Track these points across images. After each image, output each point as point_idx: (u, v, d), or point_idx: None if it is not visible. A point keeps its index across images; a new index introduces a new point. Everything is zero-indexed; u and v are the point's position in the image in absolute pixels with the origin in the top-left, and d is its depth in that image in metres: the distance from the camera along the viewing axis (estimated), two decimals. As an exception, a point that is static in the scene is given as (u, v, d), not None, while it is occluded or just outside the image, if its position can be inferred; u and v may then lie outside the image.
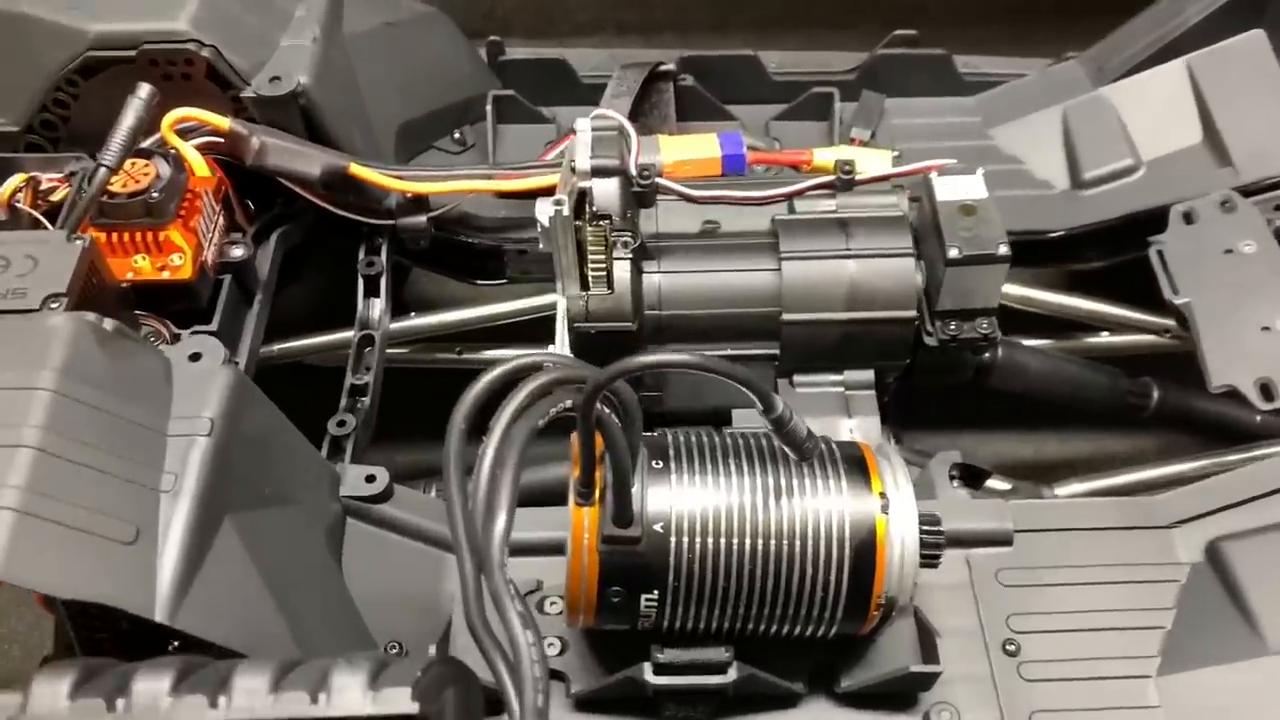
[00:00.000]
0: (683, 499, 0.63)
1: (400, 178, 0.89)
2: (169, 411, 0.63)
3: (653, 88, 1.03)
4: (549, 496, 0.77)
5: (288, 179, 0.86)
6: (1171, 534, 0.77)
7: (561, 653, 0.72)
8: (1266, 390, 0.78)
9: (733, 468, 0.65)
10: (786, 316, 0.77)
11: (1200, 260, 0.85)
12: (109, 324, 0.64)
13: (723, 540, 0.63)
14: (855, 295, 0.77)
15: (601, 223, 0.78)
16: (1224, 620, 0.72)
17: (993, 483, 0.85)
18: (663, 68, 1.04)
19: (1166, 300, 0.83)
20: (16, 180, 0.76)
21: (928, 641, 0.69)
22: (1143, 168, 0.95)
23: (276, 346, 0.96)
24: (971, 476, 0.83)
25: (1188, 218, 0.88)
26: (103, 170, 0.74)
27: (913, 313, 0.78)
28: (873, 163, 0.84)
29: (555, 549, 0.72)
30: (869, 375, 0.80)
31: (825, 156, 0.86)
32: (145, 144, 0.80)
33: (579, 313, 0.77)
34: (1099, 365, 0.93)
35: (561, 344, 0.79)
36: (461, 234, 0.96)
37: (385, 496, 0.76)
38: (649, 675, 0.66)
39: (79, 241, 0.67)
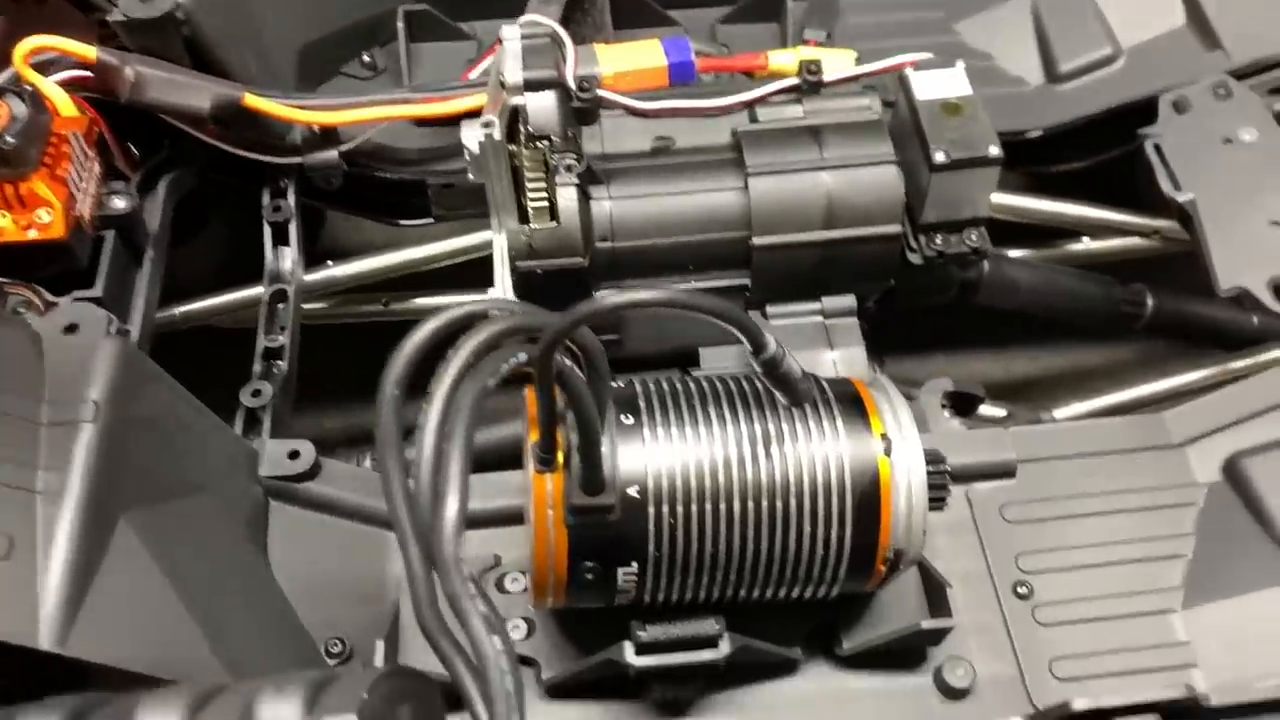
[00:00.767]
0: (659, 457, 0.55)
1: (303, 108, 0.78)
2: (42, 395, 0.53)
3: (584, -8, 0.92)
4: (502, 459, 0.69)
5: (172, 115, 0.75)
6: (1185, 452, 0.71)
7: (528, 635, 0.63)
8: (1280, 290, 0.72)
9: (713, 417, 0.57)
10: (757, 240, 0.69)
11: (1198, 152, 0.78)
12: (-44, 295, 0.53)
13: (708, 501, 0.55)
14: (833, 212, 0.69)
15: (539, 144, 0.68)
16: (1250, 543, 0.66)
17: (986, 409, 0.78)
18: (595, -31, 0.94)
19: (1167, 197, 0.76)
20: None
21: (936, 593, 0.62)
22: (1123, 56, 0.88)
23: (177, 310, 0.85)
24: (963, 404, 0.76)
25: (1178, 106, 0.81)
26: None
27: (897, 228, 0.69)
28: (836, 63, 0.75)
29: (513, 518, 0.64)
30: (850, 301, 0.72)
31: (782, 60, 0.77)
32: (-3, 82, 0.68)
33: (521, 249, 0.67)
34: (1089, 275, 0.86)
35: (503, 288, 0.70)
36: (378, 169, 0.85)
37: (312, 473, 0.67)
38: (630, 656, 0.58)
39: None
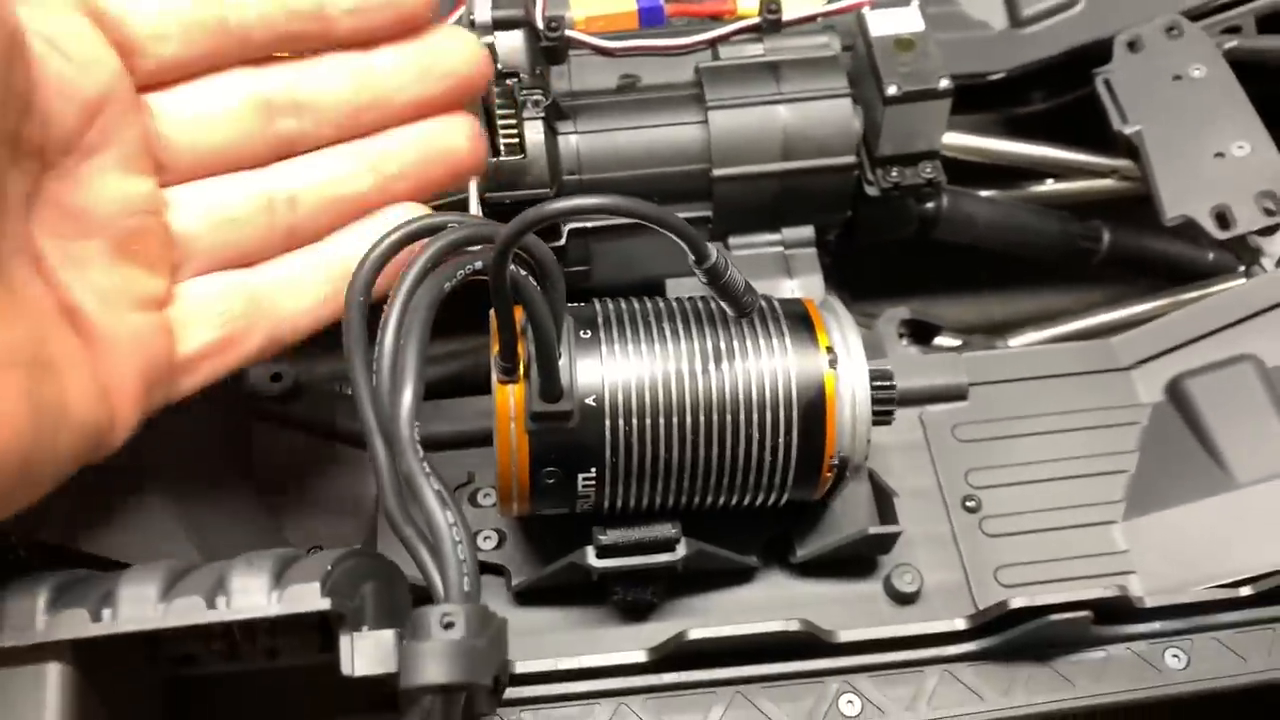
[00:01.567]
0: (615, 369, 0.58)
1: (286, 52, 0.81)
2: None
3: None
4: (475, 386, 0.72)
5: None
6: (1131, 375, 0.74)
7: (499, 546, 0.67)
8: (1222, 219, 0.75)
9: (667, 332, 0.60)
10: (717, 172, 0.72)
11: (1148, 89, 0.80)
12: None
13: (660, 410, 0.58)
14: (790, 143, 0.72)
15: (508, 81, 0.71)
16: (1189, 458, 0.69)
17: (944, 340, 0.81)
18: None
19: (1115, 131, 0.79)
20: None
21: (885, 503, 0.66)
22: (1083, 1, 0.90)
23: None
24: (922, 333, 0.79)
25: (1132, 46, 0.83)
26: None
27: (852, 158, 0.72)
28: (799, 4, 0.78)
29: (485, 439, 0.67)
30: (809, 232, 0.75)
31: (750, 4, 0.80)
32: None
33: (489, 181, 0.70)
34: (1048, 210, 0.89)
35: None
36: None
37: (294, 395, 0.70)
38: (592, 559, 0.62)
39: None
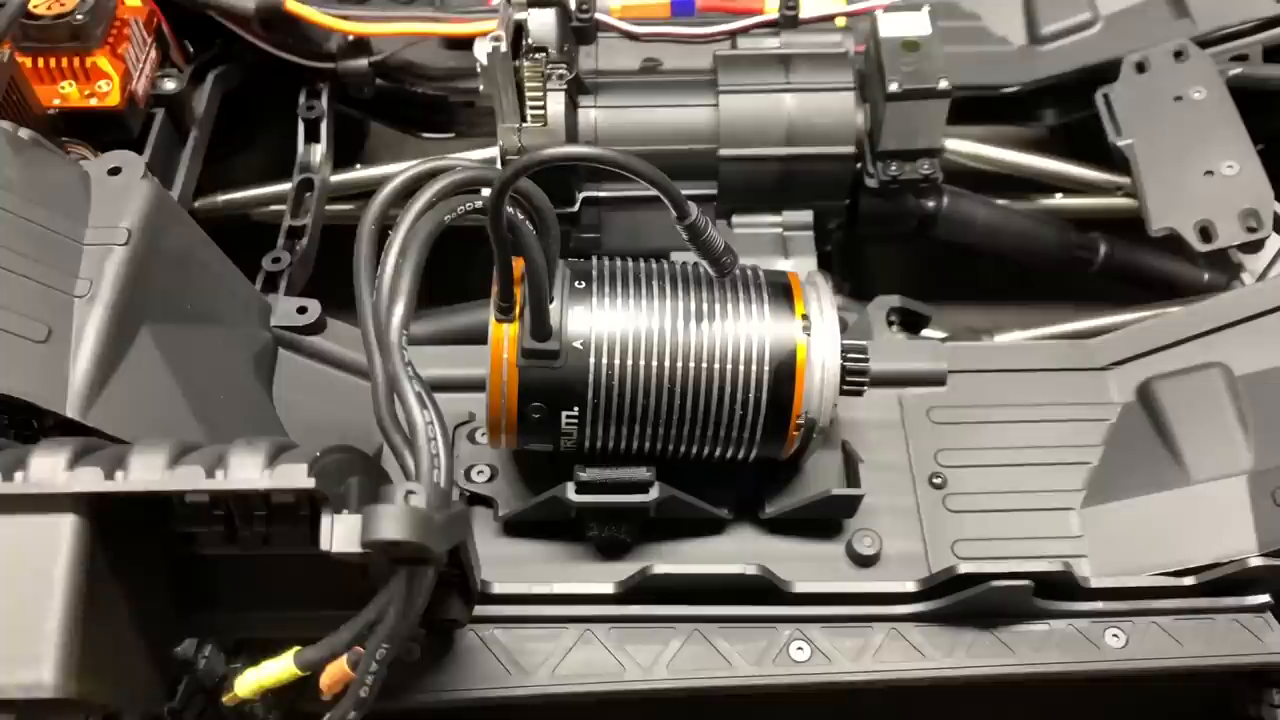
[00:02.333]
0: (603, 318, 0.63)
1: (341, 17, 0.87)
2: (86, 221, 0.63)
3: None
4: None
5: (220, 14, 0.84)
6: (1106, 375, 0.77)
7: (491, 479, 0.72)
8: (1205, 233, 0.78)
9: (655, 290, 0.65)
10: (723, 152, 0.77)
11: (1149, 107, 0.84)
12: (25, 133, 0.63)
13: (642, 359, 0.63)
14: (793, 130, 0.76)
15: (537, 55, 0.76)
16: (1150, 455, 0.72)
17: (931, 332, 0.85)
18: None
19: (1110, 144, 0.82)
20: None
21: (852, 469, 0.70)
22: (1100, 21, 0.94)
23: (220, 198, 0.95)
24: (911, 321, 0.83)
25: (1140, 67, 0.87)
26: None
27: (851, 149, 0.77)
28: (820, 3, 0.83)
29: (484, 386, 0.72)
30: (807, 216, 0.80)
31: (778, 3, 0.85)
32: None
33: (511, 146, 0.76)
34: (1047, 218, 0.92)
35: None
36: (407, 82, 0.94)
37: (318, 328, 0.76)
38: (571, 494, 0.66)
39: (-2, 55, 0.66)
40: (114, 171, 0.65)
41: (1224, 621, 0.68)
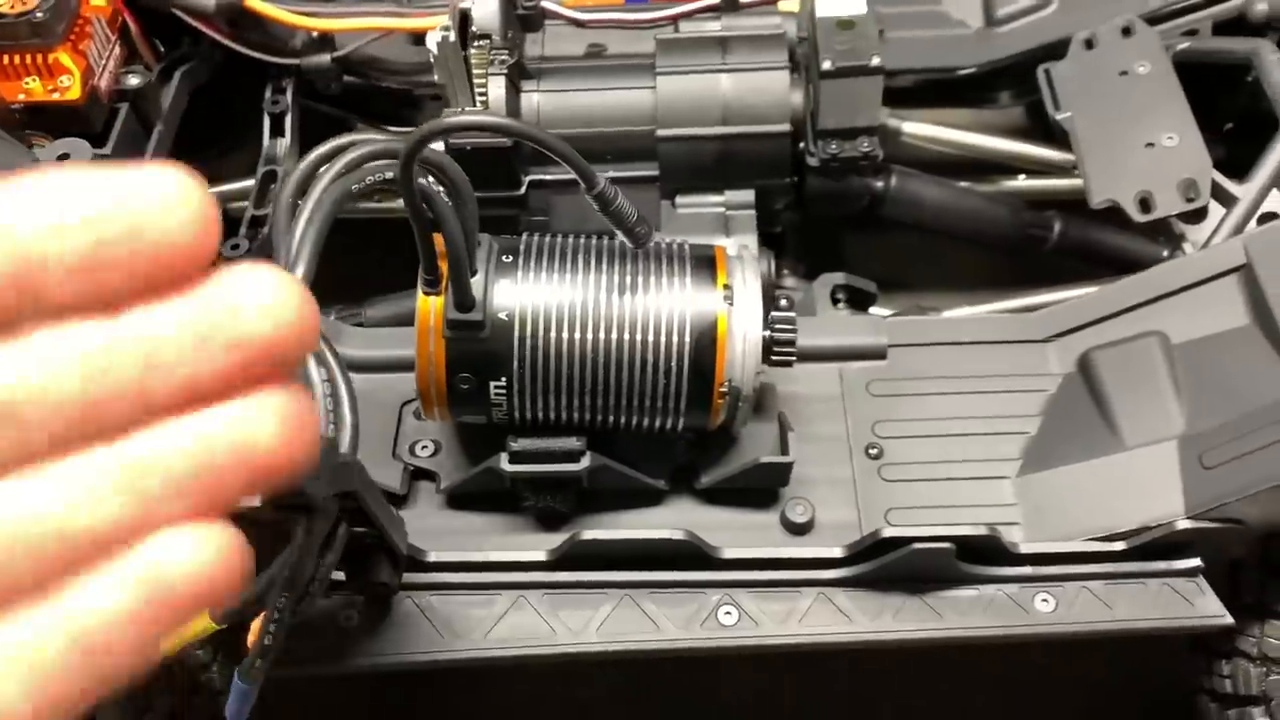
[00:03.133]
0: (528, 291, 0.65)
1: (302, 13, 0.90)
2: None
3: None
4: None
5: (184, 11, 0.87)
6: (1046, 348, 0.77)
7: (434, 454, 0.74)
8: (1145, 204, 0.78)
9: (582, 264, 0.66)
10: (661, 132, 0.78)
11: (1093, 82, 0.84)
12: (-18, 125, 0.66)
13: (566, 331, 0.64)
14: (729, 110, 0.78)
15: (481, 43, 0.78)
16: (1086, 424, 0.73)
17: (878, 309, 0.86)
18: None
19: (1049, 118, 0.83)
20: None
21: (784, 439, 0.71)
22: (1055, 1, 0.94)
23: (197, 192, 0.98)
24: (858, 299, 0.84)
25: (1089, 44, 0.87)
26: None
27: (786, 126, 0.78)
28: (766, -12, 0.84)
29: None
30: (749, 195, 0.81)
31: (732, -11, 0.86)
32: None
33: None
34: (1001, 197, 0.93)
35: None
36: (373, 77, 0.96)
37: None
38: (505, 464, 0.68)
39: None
40: (63, 157, 0.68)
41: (1155, 585, 0.68)
